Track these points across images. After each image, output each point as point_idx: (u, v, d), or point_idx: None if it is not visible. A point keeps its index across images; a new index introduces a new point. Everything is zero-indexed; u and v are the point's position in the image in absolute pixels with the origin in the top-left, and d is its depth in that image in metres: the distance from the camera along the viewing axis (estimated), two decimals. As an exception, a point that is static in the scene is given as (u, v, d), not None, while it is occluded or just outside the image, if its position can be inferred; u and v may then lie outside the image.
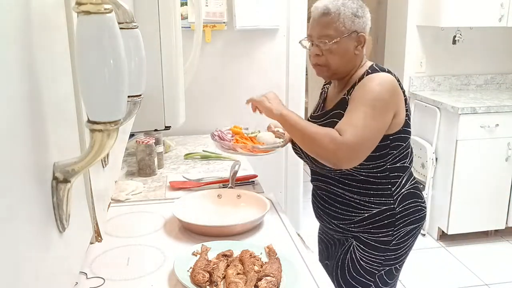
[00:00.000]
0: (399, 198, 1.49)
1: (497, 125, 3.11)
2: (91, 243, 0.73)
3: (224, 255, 1.22)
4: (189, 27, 2.50)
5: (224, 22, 2.63)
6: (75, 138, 0.63)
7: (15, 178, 0.42)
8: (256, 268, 1.16)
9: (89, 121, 0.52)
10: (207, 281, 1.11)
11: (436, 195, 3.35)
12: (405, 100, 1.48)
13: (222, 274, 1.13)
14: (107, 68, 0.50)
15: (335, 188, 1.53)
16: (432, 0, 3.29)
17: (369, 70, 1.47)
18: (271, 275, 1.11)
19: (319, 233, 1.75)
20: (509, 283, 2.85)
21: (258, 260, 1.20)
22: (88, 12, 0.48)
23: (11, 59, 0.42)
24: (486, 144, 3.13)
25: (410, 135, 1.52)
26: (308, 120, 1.63)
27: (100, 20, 0.49)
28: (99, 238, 0.76)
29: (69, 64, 0.60)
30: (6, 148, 0.40)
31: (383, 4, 4.18)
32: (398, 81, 1.47)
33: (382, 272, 1.53)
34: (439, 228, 3.35)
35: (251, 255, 1.22)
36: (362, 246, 1.52)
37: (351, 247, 1.54)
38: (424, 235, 3.44)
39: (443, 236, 3.36)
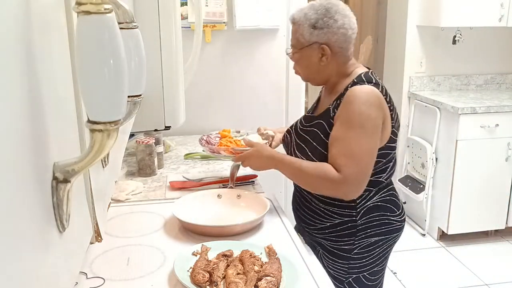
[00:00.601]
0: (362, 211, 1.47)
1: (497, 125, 3.11)
2: (91, 243, 0.73)
3: (224, 255, 1.22)
4: (189, 27, 2.50)
5: (224, 22, 2.62)
6: (75, 138, 0.63)
7: (15, 178, 0.42)
8: (256, 268, 1.16)
9: (89, 121, 0.52)
10: (207, 281, 1.11)
11: (436, 195, 3.35)
12: (392, 112, 1.46)
13: (222, 274, 1.13)
14: (107, 68, 0.50)
15: (306, 193, 1.57)
16: (432, 0, 3.29)
17: (356, 80, 1.44)
18: (271, 275, 1.11)
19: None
20: (509, 283, 2.85)
21: (258, 260, 1.20)
22: (88, 12, 0.48)
23: (11, 59, 0.42)
24: (486, 144, 3.13)
25: (394, 150, 1.50)
26: (300, 120, 1.64)
27: (100, 20, 0.49)
28: (99, 238, 0.76)
29: (69, 64, 0.60)
30: (6, 148, 0.40)
31: (383, 4, 4.18)
32: (386, 93, 1.45)
33: (350, 279, 1.54)
34: (439, 228, 3.35)
35: (251, 255, 1.22)
36: (327, 253, 1.55)
37: (319, 254, 1.58)
38: (424, 235, 3.44)
39: (443, 236, 3.36)
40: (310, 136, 1.49)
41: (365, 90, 1.40)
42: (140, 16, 1.22)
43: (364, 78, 1.44)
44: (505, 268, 3.02)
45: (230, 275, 1.11)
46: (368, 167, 1.40)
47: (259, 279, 1.10)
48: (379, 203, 1.50)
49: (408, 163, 3.58)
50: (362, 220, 1.48)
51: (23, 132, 0.44)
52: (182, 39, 1.50)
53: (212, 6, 2.58)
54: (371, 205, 1.48)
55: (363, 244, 1.50)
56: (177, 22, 1.39)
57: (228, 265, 1.17)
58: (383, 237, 1.51)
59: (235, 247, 1.28)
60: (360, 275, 1.54)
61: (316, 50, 1.45)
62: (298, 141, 1.55)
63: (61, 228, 0.53)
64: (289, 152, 1.60)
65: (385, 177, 1.50)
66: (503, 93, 3.55)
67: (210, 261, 1.19)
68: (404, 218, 1.58)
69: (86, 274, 1.18)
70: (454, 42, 3.50)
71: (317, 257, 1.56)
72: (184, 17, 2.51)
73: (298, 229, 1.69)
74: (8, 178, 0.40)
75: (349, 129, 1.38)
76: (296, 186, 1.64)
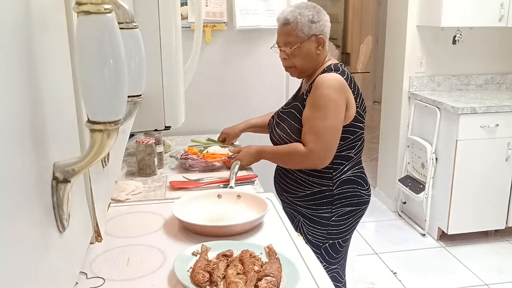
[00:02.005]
0: (338, 182, 1.74)
1: (497, 125, 3.11)
2: (91, 243, 0.73)
3: (224, 255, 1.22)
4: (189, 27, 2.49)
5: (224, 22, 2.62)
6: (75, 138, 0.63)
7: (15, 178, 0.42)
8: (256, 268, 1.15)
9: (89, 121, 0.52)
10: (207, 281, 1.11)
11: (436, 195, 3.35)
12: (356, 97, 1.70)
13: (222, 274, 1.13)
14: (107, 68, 0.50)
15: None
16: (432, 0, 3.29)
17: (325, 69, 1.72)
18: (271, 275, 1.11)
19: None
20: (509, 283, 2.85)
21: (258, 260, 1.20)
22: (88, 12, 0.48)
23: (11, 59, 0.42)
24: (486, 144, 3.13)
25: (361, 130, 1.76)
26: (282, 107, 1.91)
27: (100, 20, 0.49)
28: (99, 238, 0.76)
29: (69, 64, 0.60)
30: (6, 148, 0.40)
31: (383, 4, 4.18)
32: (350, 80, 1.70)
33: (327, 244, 1.78)
34: (439, 228, 3.35)
35: (251, 255, 1.22)
36: (307, 221, 1.79)
37: (299, 223, 1.81)
38: (424, 235, 3.44)
39: (443, 236, 3.36)
40: (288, 116, 1.78)
41: (330, 77, 1.68)
42: (140, 16, 1.22)
43: (332, 68, 1.71)
44: (505, 268, 3.02)
45: (230, 275, 1.11)
46: (331, 141, 1.67)
47: (259, 279, 1.10)
48: (352, 177, 1.76)
49: (408, 163, 3.58)
50: (338, 190, 1.74)
51: (23, 132, 0.44)
52: (182, 39, 1.50)
53: (212, 6, 2.58)
54: (345, 178, 1.75)
55: (339, 213, 1.75)
56: (177, 22, 1.39)
57: (228, 265, 1.17)
58: (355, 207, 1.77)
59: (235, 247, 1.28)
60: (335, 241, 1.79)
61: (313, 41, 1.71)
62: (278, 120, 1.83)
63: (61, 228, 0.53)
64: (271, 132, 1.88)
65: (354, 153, 1.76)
66: (503, 93, 3.55)
67: (210, 261, 1.19)
68: (370, 193, 1.84)
69: (86, 274, 1.17)
70: (454, 42, 3.50)
71: (296, 226, 1.80)
72: (184, 17, 2.51)
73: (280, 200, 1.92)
74: (8, 178, 0.40)
75: (315, 110, 1.67)
76: None
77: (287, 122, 1.77)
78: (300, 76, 1.82)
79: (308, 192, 1.76)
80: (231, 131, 2.22)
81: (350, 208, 1.76)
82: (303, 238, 1.71)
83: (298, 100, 1.76)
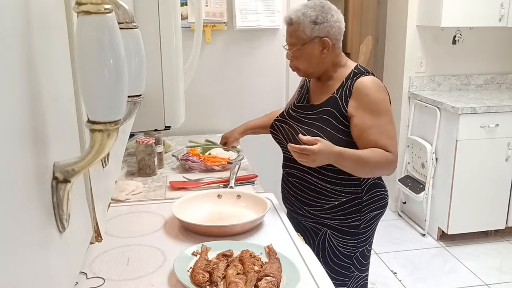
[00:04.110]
0: (366, 188, 1.65)
1: (497, 125, 3.11)
2: (91, 243, 0.73)
3: (224, 255, 1.22)
4: (189, 27, 2.50)
5: (224, 22, 2.63)
6: (75, 138, 0.63)
7: (15, 178, 0.42)
8: (256, 268, 1.16)
9: (89, 121, 0.52)
10: (207, 281, 1.11)
11: (436, 195, 3.35)
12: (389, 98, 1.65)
13: (222, 274, 1.13)
14: (107, 68, 0.50)
15: (309, 177, 1.66)
16: (432, 0, 3.29)
17: (356, 71, 1.63)
18: (271, 275, 1.11)
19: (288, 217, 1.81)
20: (509, 283, 2.85)
21: (258, 260, 1.20)
22: (88, 12, 0.48)
23: (11, 59, 0.42)
24: (486, 144, 3.13)
25: None
26: (292, 109, 1.75)
27: (100, 20, 0.49)
28: (99, 238, 0.76)
29: (69, 64, 0.60)
30: (6, 148, 0.40)
31: (383, 4, 4.18)
32: None
33: (358, 253, 1.70)
34: (439, 228, 3.35)
35: (251, 255, 1.22)
36: (336, 233, 1.68)
37: (327, 236, 1.69)
38: (424, 235, 3.44)
39: (443, 236, 3.36)
40: (320, 122, 1.61)
41: (373, 80, 1.60)
42: (140, 16, 1.22)
43: (362, 70, 1.63)
44: (505, 268, 3.02)
45: (230, 275, 1.11)
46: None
47: (259, 279, 1.10)
48: (376, 180, 1.68)
49: (408, 163, 3.58)
50: (367, 196, 1.65)
51: (23, 132, 0.44)
52: (182, 39, 1.50)
53: (212, 6, 2.58)
54: (371, 182, 1.66)
55: (367, 219, 1.67)
56: (177, 22, 1.39)
57: (228, 265, 1.17)
58: (380, 210, 1.71)
59: (235, 247, 1.28)
60: (364, 248, 1.71)
61: (317, 44, 1.60)
62: (303, 127, 1.63)
63: (61, 228, 0.53)
64: (283, 139, 1.72)
65: None
66: (503, 93, 3.55)
67: (210, 261, 1.19)
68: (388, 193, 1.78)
69: (86, 274, 1.17)
70: (454, 42, 3.50)
71: (323, 240, 1.69)
72: (184, 17, 2.51)
73: (290, 215, 1.76)
74: (8, 178, 0.40)
75: (379, 116, 1.56)
76: (292, 172, 1.72)
77: (322, 130, 1.59)
78: (308, 77, 1.75)
79: (336, 203, 1.64)
80: (231, 135, 2.17)
81: (376, 212, 1.69)
82: (336, 251, 1.69)
83: (331, 105, 1.61)
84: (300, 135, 1.50)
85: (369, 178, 1.65)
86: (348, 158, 1.51)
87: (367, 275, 1.77)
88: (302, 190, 1.69)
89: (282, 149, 1.77)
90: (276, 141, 1.78)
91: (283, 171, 1.79)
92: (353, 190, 1.63)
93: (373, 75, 1.62)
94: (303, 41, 1.59)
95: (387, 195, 1.74)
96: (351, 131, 1.57)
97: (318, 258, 1.65)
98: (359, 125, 1.55)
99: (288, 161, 1.73)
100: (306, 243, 1.46)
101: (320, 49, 1.61)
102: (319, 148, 1.45)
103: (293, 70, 1.70)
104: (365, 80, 1.59)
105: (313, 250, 1.69)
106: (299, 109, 1.72)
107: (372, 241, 1.76)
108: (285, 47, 1.68)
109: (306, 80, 1.80)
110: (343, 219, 1.65)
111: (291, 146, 1.48)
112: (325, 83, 1.68)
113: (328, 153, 1.47)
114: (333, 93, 1.62)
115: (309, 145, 1.46)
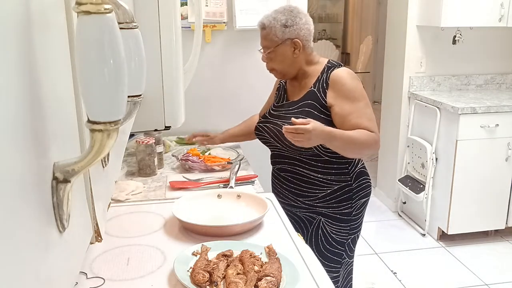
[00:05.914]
0: (354, 176, 1.77)
1: (497, 125, 3.11)
2: (91, 243, 0.73)
3: (224, 255, 1.22)
4: (189, 27, 2.49)
5: (224, 22, 2.62)
6: (75, 138, 0.63)
7: (15, 178, 0.42)
8: (256, 268, 1.15)
9: (89, 121, 0.52)
10: (207, 281, 1.11)
11: (436, 195, 3.35)
12: None
13: (222, 274, 1.13)
14: (107, 68, 0.50)
15: (300, 169, 1.77)
16: (432, 0, 3.29)
17: (329, 65, 1.75)
18: (271, 275, 1.11)
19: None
20: (509, 283, 2.85)
21: (258, 260, 1.20)
22: (88, 12, 0.48)
23: (11, 59, 0.42)
24: (486, 144, 3.13)
25: None
26: (273, 109, 1.87)
27: (100, 20, 0.49)
28: (99, 238, 0.76)
29: (69, 64, 0.60)
30: (6, 148, 0.40)
31: (383, 4, 4.18)
32: None
33: (349, 240, 1.81)
34: (439, 228, 3.35)
35: (251, 255, 1.22)
36: (330, 220, 1.78)
37: (320, 224, 1.80)
38: (424, 235, 3.44)
39: (443, 236, 3.36)
40: (303, 114, 1.71)
41: (347, 71, 1.74)
42: (140, 16, 1.22)
43: (334, 63, 1.77)
44: (505, 268, 3.02)
45: (230, 275, 1.11)
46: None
47: (259, 279, 1.10)
48: (362, 169, 1.81)
49: (408, 163, 3.58)
50: (355, 184, 1.77)
51: (23, 132, 0.44)
52: (182, 39, 1.50)
53: (212, 6, 2.58)
54: (358, 170, 1.78)
55: (357, 206, 1.79)
56: (177, 22, 1.39)
57: (228, 265, 1.17)
58: (367, 198, 1.82)
59: (235, 247, 1.28)
60: (355, 235, 1.83)
61: (289, 45, 1.73)
62: (288, 122, 1.65)
63: (61, 228, 0.53)
64: (269, 138, 1.81)
65: None
66: (503, 93, 3.55)
67: (210, 261, 1.19)
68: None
69: (86, 274, 1.17)
70: (454, 42, 3.50)
71: (317, 228, 1.79)
72: (184, 17, 2.51)
73: (284, 208, 1.76)
74: (8, 178, 0.40)
75: (356, 101, 1.68)
76: (283, 167, 1.82)
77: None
78: (284, 78, 1.84)
79: (328, 191, 1.75)
80: (211, 139, 2.23)
81: (364, 199, 1.81)
82: (329, 238, 1.77)
83: (311, 98, 1.72)
84: (293, 118, 1.57)
85: (356, 167, 1.76)
86: (338, 137, 1.62)
87: (353, 260, 1.90)
88: (295, 183, 1.79)
89: (270, 147, 1.86)
90: (262, 141, 1.88)
91: (274, 167, 1.89)
92: (343, 178, 1.75)
93: (344, 67, 1.76)
94: (276, 43, 1.73)
95: (371, 182, 1.87)
96: (333, 120, 1.69)
97: (312, 247, 1.72)
98: (340, 113, 1.67)
99: (278, 157, 1.84)
100: (299, 233, 1.51)
101: (292, 49, 1.74)
102: (312, 126, 1.54)
103: (270, 72, 1.82)
104: (340, 71, 1.72)
105: (307, 239, 1.81)
106: (280, 108, 1.84)
107: (361, 228, 1.87)
108: (260, 50, 1.81)
109: (281, 82, 1.91)
110: (336, 206, 1.76)
111: (286, 128, 1.55)
112: (301, 81, 1.80)
113: (320, 132, 1.57)
114: (311, 87, 1.74)
115: None
